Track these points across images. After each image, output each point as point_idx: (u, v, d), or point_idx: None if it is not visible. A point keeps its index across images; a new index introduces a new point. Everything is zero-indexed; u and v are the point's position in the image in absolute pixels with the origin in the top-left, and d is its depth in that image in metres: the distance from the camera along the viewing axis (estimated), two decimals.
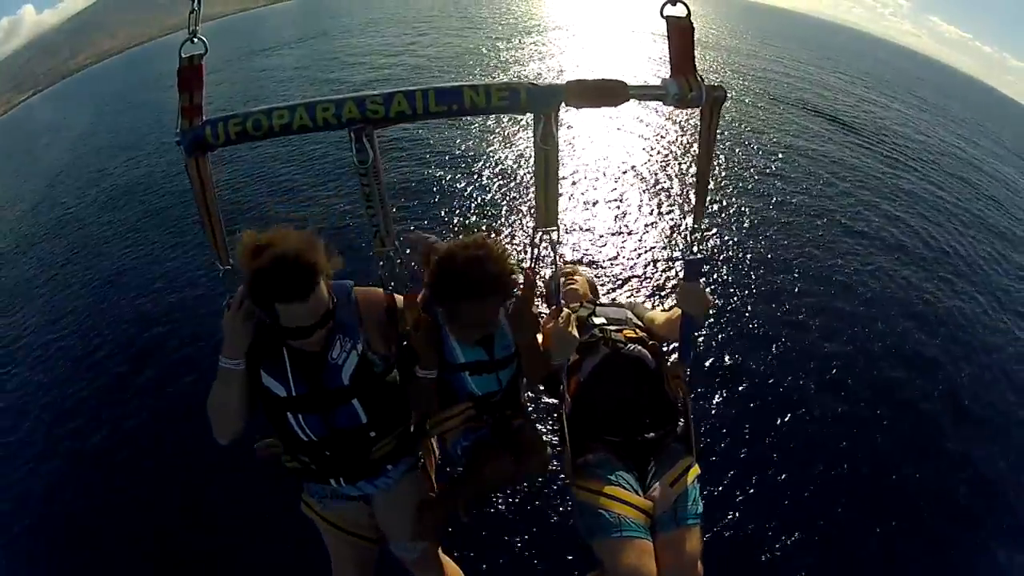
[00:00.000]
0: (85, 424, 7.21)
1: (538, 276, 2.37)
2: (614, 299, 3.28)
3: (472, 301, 2.17)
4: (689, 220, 2.23)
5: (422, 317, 2.30)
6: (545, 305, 2.77)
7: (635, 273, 8.89)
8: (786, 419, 6.48)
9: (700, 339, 7.25)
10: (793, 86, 26.48)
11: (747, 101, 20.89)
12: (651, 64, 25.99)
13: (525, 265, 2.30)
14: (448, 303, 2.23)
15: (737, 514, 5.39)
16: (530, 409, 2.93)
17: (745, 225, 10.75)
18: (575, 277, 3.45)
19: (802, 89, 26.11)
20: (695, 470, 2.60)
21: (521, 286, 2.33)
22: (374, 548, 2.75)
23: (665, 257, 9.33)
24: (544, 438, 2.91)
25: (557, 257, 2.33)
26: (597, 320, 2.99)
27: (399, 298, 2.34)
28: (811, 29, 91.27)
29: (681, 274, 2.43)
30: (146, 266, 10.71)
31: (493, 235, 2.26)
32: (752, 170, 13.77)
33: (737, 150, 15.02)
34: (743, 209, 11.39)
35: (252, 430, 2.39)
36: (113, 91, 40.02)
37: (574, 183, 12.19)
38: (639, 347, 2.82)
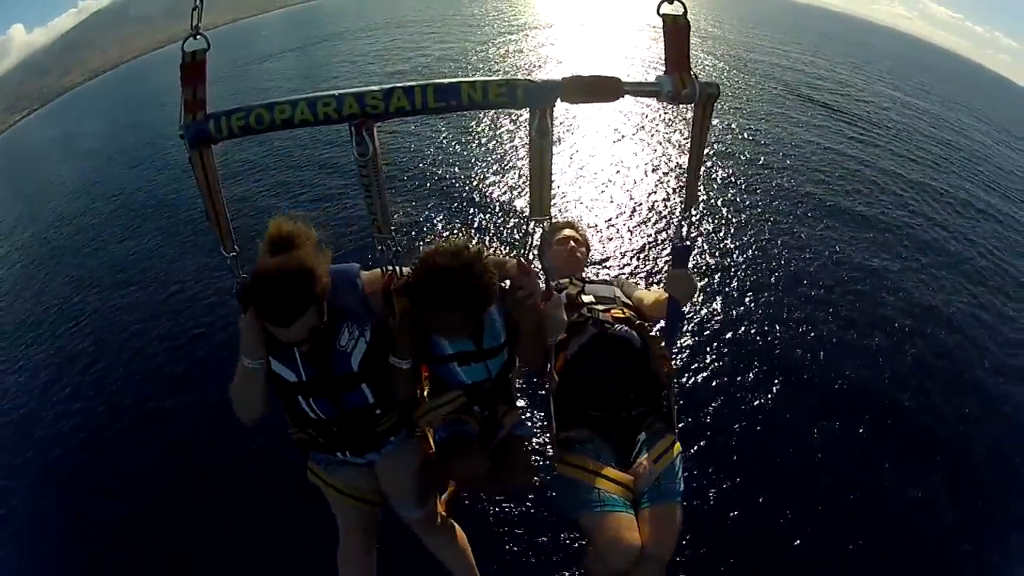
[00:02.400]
0: (92, 424, 7.39)
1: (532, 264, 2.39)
2: (602, 276, 3.26)
3: (443, 310, 2.22)
4: (679, 209, 2.28)
5: (408, 307, 2.32)
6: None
7: (626, 261, 9.12)
8: (771, 400, 6.60)
9: (687, 321, 7.41)
10: (782, 74, 26.73)
11: (736, 90, 21.18)
12: (646, 59, 26.19)
13: (519, 253, 2.34)
14: (418, 307, 2.27)
15: (718, 492, 5.49)
16: (517, 386, 2.95)
17: (733, 212, 11.00)
18: (583, 248, 3.45)
19: (793, 77, 26.35)
20: (677, 448, 2.67)
21: (516, 273, 2.36)
22: (378, 510, 2.83)
23: (655, 245, 9.56)
24: (527, 414, 2.94)
25: (549, 250, 2.38)
26: (586, 298, 3.02)
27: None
28: (799, 15, 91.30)
29: (670, 261, 2.47)
30: (158, 272, 10.93)
31: (475, 241, 2.27)
32: (740, 158, 14.04)
33: (726, 139, 15.26)
34: (732, 197, 11.66)
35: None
36: (110, 107, 40.42)
37: (568, 176, 12.43)
38: (626, 327, 2.86)
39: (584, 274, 3.40)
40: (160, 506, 6.04)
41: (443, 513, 2.97)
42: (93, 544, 5.95)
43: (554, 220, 3.45)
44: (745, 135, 15.88)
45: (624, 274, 8.64)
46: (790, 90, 23.11)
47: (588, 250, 3.58)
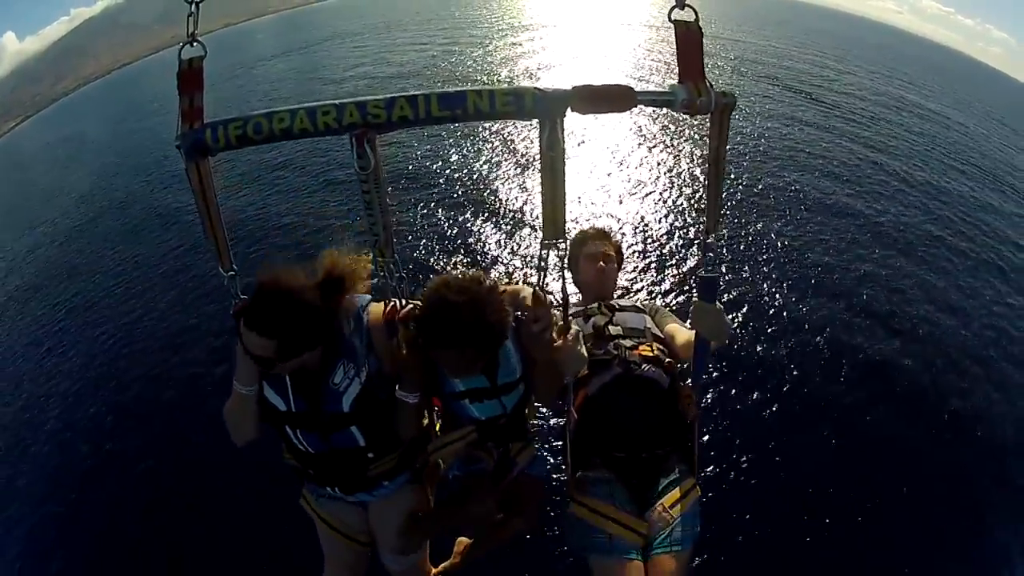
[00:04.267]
0: (94, 426, 7.56)
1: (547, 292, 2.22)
2: (635, 302, 3.03)
3: (448, 349, 2.07)
4: (702, 232, 2.15)
5: (414, 338, 2.19)
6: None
7: (647, 288, 8.88)
8: (794, 444, 6.43)
9: (713, 359, 7.15)
10: (786, 75, 26.74)
11: (741, 94, 20.94)
12: (659, 66, 26.24)
13: (533, 281, 2.22)
14: (425, 342, 2.13)
15: (738, 537, 5.38)
16: (533, 424, 2.85)
17: (760, 234, 10.64)
18: (614, 263, 3.28)
19: (796, 78, 26.37)
20: (695, 493, 2.58)
21: (530, 304, 2.22)
22: (367, 551, 2.73)
23: (680, 270, 9.29)
24: (542, 452, 2.85)
25: (565, 272, 2.24)
26: (613, 330, 2.89)
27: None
28: (789, 13, 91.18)
29: (695, 290, 2.35)
30: (158, 281, 11.02)
31: (488, 276, 2.16)
32: (751, 166, 13.87)
33: (739, 149, 14.97)
34: (757, 217, 11.30)
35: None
36: (104, 113, 40.65)
37: (582, 192, 12.14)
38: (653, 367, 2.73)
39: (616, 292, 3.28)
40: (151, 516, 6.12)
41: (429, 566, 2.89)
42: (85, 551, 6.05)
43: (584, 230, 3.32)
44: (752, 139, 15.85)
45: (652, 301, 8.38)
46: (792, 90, 23.32)
47: (622, 261, 3.39)
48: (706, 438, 6.19)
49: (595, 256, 3.20)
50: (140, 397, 7.80)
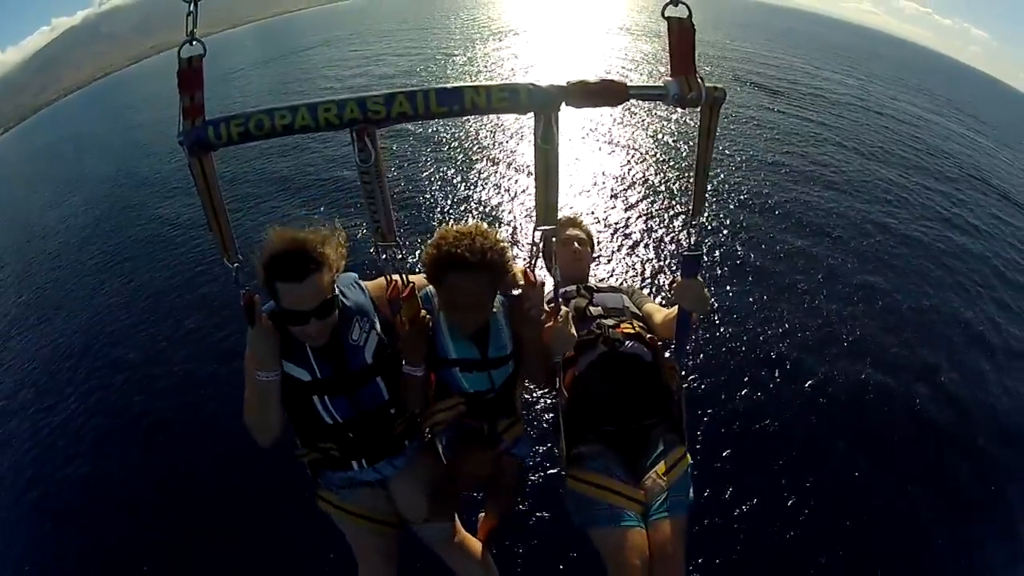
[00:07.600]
0: (100, 424, 7.50)
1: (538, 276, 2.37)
2: (611, 284, 3.18)
3: (460, 272, 2.21)
4: (688, 216, 2.24)
5: (417, 313, 2.33)
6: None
7: (634, 270, 9.10)
8: (782, 406, 6.58)
9: (697, 332, 7.30)
10: (753, 75, 26.94)
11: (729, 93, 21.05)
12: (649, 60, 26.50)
13: (525, 264, 2.32)
14: (438, 277, 2.27)
15: (729, 502, 5.45)
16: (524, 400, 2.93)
17: (743, 219, 10.92)
18: (587, 247, 3.43)
19: (780, 79, 26.71)
20: (687, 460, 2.66)
21: (521, 283, 2.36)
22: (396, 533, 2.75)
23: (664, 254, 9.53)
24: (532, 431, 2.93)
25: (555, 256, 2.39)
26: (594, 310, 3.01)
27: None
28: (765, 16, 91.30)
29: (679, 270, 2.44)
30: (168, 277, 11.02)
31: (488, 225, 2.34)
32: (738, 161, 14.11)
33: (728, 144, 15.23)
34: (741, 204, 11.62)
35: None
36: (89, 122, 40.20)
37: (574, 182, 12.35)
38: (636, 343, 2.84)
39: (591, 279, 3.40)
40: (163, 543, 5.85)
41: (462, 529, 2.92)
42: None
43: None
44: (738, 135, 16.10)
45: (633, 283, 8.57)
46: (775, 91, 23.68)
47: (593, 248, 3.55)
48: (694, 408, 6.25)
49: (568, 241, 3.34)
50: (140, 400, 7.73)
